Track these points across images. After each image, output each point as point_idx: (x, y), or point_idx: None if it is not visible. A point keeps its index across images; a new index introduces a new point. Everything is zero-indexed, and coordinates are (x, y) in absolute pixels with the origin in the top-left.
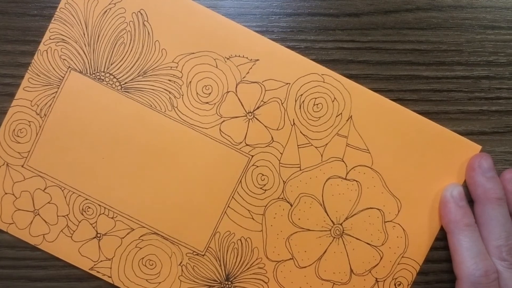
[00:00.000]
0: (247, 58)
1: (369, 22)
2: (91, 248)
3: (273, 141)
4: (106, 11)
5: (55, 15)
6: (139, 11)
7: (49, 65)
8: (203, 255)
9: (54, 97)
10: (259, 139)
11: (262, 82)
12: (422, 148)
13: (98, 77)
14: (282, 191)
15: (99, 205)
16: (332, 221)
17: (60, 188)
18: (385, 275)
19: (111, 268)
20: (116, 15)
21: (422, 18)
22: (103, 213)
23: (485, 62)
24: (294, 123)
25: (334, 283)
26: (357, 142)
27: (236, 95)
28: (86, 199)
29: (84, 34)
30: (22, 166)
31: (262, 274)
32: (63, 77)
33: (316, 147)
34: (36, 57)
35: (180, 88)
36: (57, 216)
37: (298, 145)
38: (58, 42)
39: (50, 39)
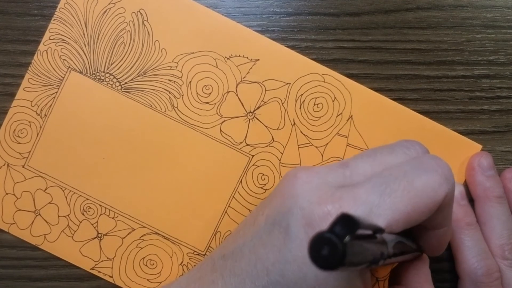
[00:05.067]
0: (247, 58)
1: (370, 21)
2: (92, 248)
3: (273, 141)
4: (106, 11)
5: (54, 15)
6: (139, 11)
7: (49, 65)
8: (204, 255)
9: (54, 97)
10: (259, 139)
11: (263, 82)
12: None
13: (98, 77)
14: None
15: (100, 205)
16: None
17: (61, 188)
18: (386, 274)
19: (112, 268)
20: (116, 15)
21: (422, 18)
22: (104, 213)
23: (485, 62)
24: (294, 123)
25: None
26: (357, 141)
27: (237, 95)
28: (87, 199)
29: (84, 34)
30: (23, 167)
31: None
32: (63, 77)
33: (316, 147)
34: (36, 57)
35: (180, 88)
36: (58, 216)
37: (298, 145)
38: (58, 42)
39: (50, 39)
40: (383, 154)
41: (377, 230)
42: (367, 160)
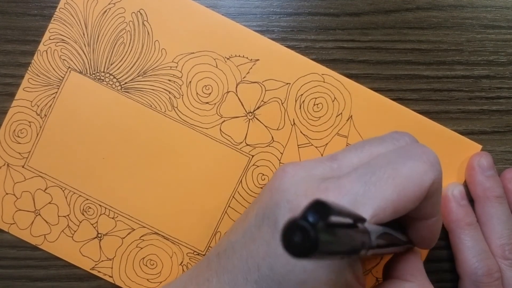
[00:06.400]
0: (247, 58)
1: (370, 21)
2: (92, 248)
3: (273, 141)
4: (106, 11)
5: (54, 15)
6: (139, 11)
7: (49, 65)
8: (204, 255)
9: (54, 97)
10: (259, 139)
11: (262, 82)
12: None
13: (98, 77)
14: None
15: (100, 205)
16: None
17: (61, 188)
18: None
19: (112, 268)
20: (116, 15)
21: (422, 18)
22: (104, 213)
23: (485, 62)
24: (294, 123)
25: None
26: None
27: (236, 95)
28: (87, 199)
29: (83, 34)
30: (23, 167)
31: None
32: (63, 78)
33: (316, 147)
34: (36, 58)
35: (180, 88)
36: (58, 216)
37: (298, 145)
38: (58, 42)
39: (50, 39)
40: (372, 145)
41: (359, 219)
42: (355, 152)
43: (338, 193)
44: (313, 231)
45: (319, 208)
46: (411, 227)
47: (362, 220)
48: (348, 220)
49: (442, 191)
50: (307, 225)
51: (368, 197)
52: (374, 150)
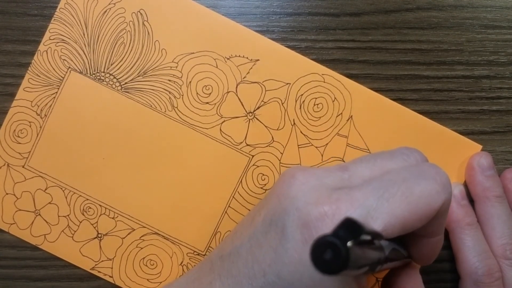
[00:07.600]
0: (247, 58)
1: (370, 21)
2: (92, 248)
3: (273, 141)
4: (106, 11)
5: (54, 15)
6: (139, 11)
7: (49, 65)
8: (204, 255)
9: (54, 97)
10: (259, 139)
11: (263, 82)
12: (423, 148)
13: (98, 77)
14: None
15: (100, 205)
16: None
17: (61, 188)
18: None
19: (112, 268)
20: (116, 15)
21: (422, 18)
22: (104, 213)
23: (485, 62)
24: (294, 123)
25: None
26: (357, 142)
27: (237, 95)
28: (87, 199)
29: (84, 34)
30: (23, 167)
31: None
32: (63, 78)
33: (316, 147)
34: (36, 58)
35: (180, 88)
36: (58, 216)
37: (298, 145)
38: (58, 42)
39: (50, 39)
40: (383, 160)
41: (376, 235)
42: (366, 165)
43: (351, 204)
44: (344, 249)
45: (350, 226)
46: (413, 244)
47: (380, 236)
48: (368, 237)
49: None
50: (338, 242)
51: (380, 212)
52: (385, 165)
